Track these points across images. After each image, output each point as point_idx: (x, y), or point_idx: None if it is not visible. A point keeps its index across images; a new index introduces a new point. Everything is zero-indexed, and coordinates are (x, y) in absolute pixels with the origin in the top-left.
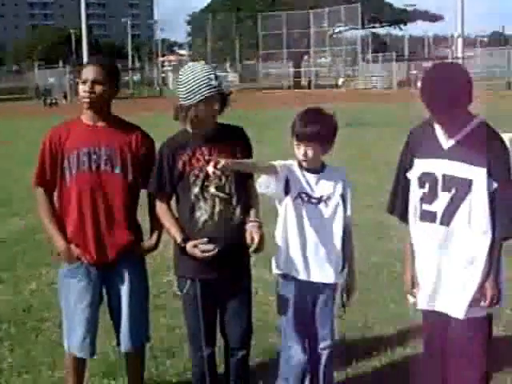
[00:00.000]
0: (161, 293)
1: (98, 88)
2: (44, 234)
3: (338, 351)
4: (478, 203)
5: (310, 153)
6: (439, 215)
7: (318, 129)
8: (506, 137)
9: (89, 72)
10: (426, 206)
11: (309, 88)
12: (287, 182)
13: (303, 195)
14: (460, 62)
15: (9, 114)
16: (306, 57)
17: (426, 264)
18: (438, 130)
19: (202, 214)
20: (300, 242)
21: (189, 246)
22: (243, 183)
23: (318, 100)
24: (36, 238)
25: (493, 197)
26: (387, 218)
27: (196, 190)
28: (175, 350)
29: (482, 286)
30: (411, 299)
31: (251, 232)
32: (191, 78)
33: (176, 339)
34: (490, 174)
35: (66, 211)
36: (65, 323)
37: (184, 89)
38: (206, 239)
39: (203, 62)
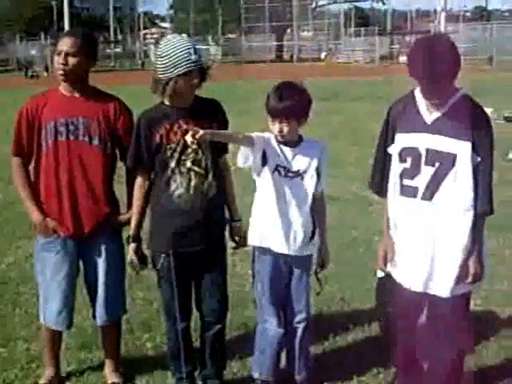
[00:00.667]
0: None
1: (72, 60)
2: (22, 207)
3: (316, 325)
4: (461, 178)
5: (285, 129)
6: (421, 190)
7: (291, 104)
8: (486, 111)
9: (63, 44)
10: (407, 181)
11: (291, 62)
12: (264, 154)
13: (281, 169)
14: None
15: None
16: (288, 30)
17: (406, 239)
18: (421, 104)
19: (177, 187)
20: (277, 214)
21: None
22: (217, 156)
23: (300, 73)
24: (15, 211)
25: (476, 171)
26: (369, 192)
27: (172, 163)
28: (152, 324)
29: (465, 263)
30: (379, 273)
31: (235, 233)
32: (171, 51)
33: (153, 313)
34: (473, 148)
35: (42, 182)
36: (41, 296)
37: (163, 62)
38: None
39: (184, 35)
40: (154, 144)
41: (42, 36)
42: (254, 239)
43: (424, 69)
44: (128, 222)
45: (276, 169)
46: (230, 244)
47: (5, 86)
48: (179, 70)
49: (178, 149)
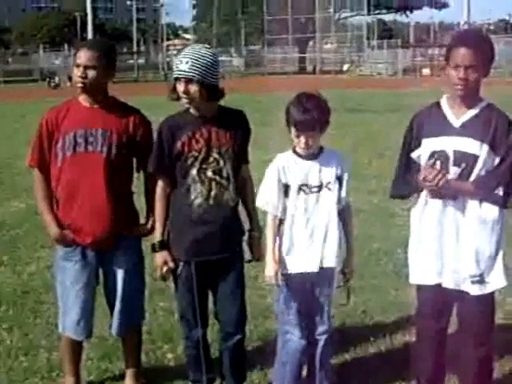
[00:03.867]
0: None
1: (91, 73)
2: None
3: (338, 337)
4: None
5: (311, 141)
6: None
7: (317, 115)
8: None
9: (81, 56)
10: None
11: (314, 73)
12: (286, 188)
13: (304, 187)
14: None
15: (14, 96)
16: (311, 42)
17: (434, 240)
18: (447, 111)
19: (197, 197)
20: (302, 233)
21: (161, 255)
22: (239, 169)
23: (322, 85)
24: (37, 221)
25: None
26: (391, 204)
27: (193, 172)
28: (173, 334)
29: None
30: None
31: (253, 246)
32: (180, 56)
33: (174, 323)
34: (493, 150)
35: (60, 192)
36: (60, 305)
37: None
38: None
39: (200, 46)
40: (176, 150)
41: (66, 47)
42: (289, 268)
43: (465, 59)
44: (148, 233)
45: (300, 189)
46: (246, 255)
47: (28, 96)
48: (173, 74)
49: (200, 157)
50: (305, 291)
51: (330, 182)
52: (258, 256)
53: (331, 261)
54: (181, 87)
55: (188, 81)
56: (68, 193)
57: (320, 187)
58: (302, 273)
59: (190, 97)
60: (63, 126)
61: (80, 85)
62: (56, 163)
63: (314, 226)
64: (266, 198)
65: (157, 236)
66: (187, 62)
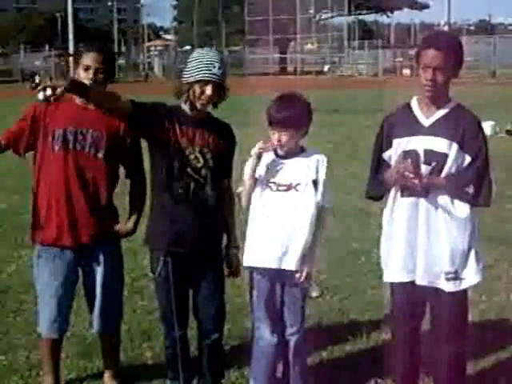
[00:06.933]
0: (140, 276)
1: (100, 76)
2: (25, 216)
3: (314, 336)
4: (452, 175)
5: (284, 138)
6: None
7: (291, 114)
8: (487, 124)
9: (91, 59)
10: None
11: (295, 74)
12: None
13: (271, 184)
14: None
15: None
16: (292, 43)
17: (406, 238)
18: (417, 111)
19: (177, 188)
20: (269, 230)
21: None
22: (219, 176)
23: (303, 86)
24: (16, 221)
25: (468, 169)
26: (368, 204)
27: (175, 165)
28: (151, 333)
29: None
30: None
31: (231, 260)
32: (199, 57)
33: (153, 322)
34: (463, 149)
35: (42, 188)
36: (38, 304)
37: (189, 66)
38: None
39: (210, 49)
40: (160, 128)
41: (47, 47)
42: (248, 260)
43: (437, 60)
44: (127, 234)
45: (267, 185)
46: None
47: (8, 97)
48: (197, 76)
49: (181, 153)
50: (273, 289)
51: (299, 184)
52: (235, 272)
53: (291, 263)
54: (208, 90)
55: (217, 84)
56: (50, 189)
57: (289, 187)
58: (263, 268)
59: (211, 99)
60: (53, 121)
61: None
62: (43, 156)
63: (275, 224)
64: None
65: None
66: (220, 68)
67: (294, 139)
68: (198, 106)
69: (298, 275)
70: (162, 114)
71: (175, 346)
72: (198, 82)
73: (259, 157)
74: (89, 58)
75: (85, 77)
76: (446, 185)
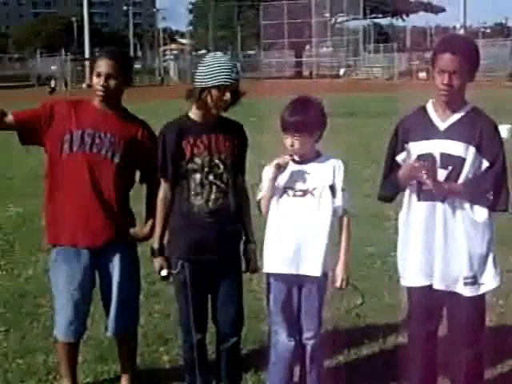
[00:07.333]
0: (156, 280)
1: (112, 82)
2: (42, 221)
3: (331, 340)
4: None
5: (296, 143)
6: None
7: (303, 118)
8: (503, 128)
9: (103, 65)
10: (425, 186)
11: (310, 78)
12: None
13: (288, 190)
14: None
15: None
16: (307, 47)
17: (423, 242)
18: (433, 115)
19: (198, 200)
20: (285, 236)
21: (158, 260)
22: (236, 178)
23: (318, 90)
24: (34, 225)
25: (486, 174)
26: (385, 208)
27: (196, 176)
28: (168, 337)
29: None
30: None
31: (248, 256)
32: (214, 62)
33: (170, 326)
34: (480, 153)
35: (57, 189)
36: (55, 307)
37: (203, 71)
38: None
39: (222, 54)
40: (179, 155)
41: (63, 52)
42: (266, 266)
43: (452, 64)
44: (144, 238)
45: (284, 191)
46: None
47: (24, 101)
48: (215, 81)
49: (202, 162)
50: (289, 293)
51: (315, 189)
52: (253, 268)
53: (308, 268)
54: (228, 95)
55: (234, 89)
56: (67, 190)
57: (305, 192)
58: (280, 273)
59: (226, 103)
60: (72, 121)
61: (100, 93)
62: (59, 156)
63: (292, 229)
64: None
65: (155, 241)
66: (237, 72)
67: (308, 144)
68: (214, 110)
69: (338, 283)
70: (174, 150)
71: (193, 350)
72: (215, 86)
73: (279, 168)
74: (100, 65)
75: (97, 83)
76: (464, 191)
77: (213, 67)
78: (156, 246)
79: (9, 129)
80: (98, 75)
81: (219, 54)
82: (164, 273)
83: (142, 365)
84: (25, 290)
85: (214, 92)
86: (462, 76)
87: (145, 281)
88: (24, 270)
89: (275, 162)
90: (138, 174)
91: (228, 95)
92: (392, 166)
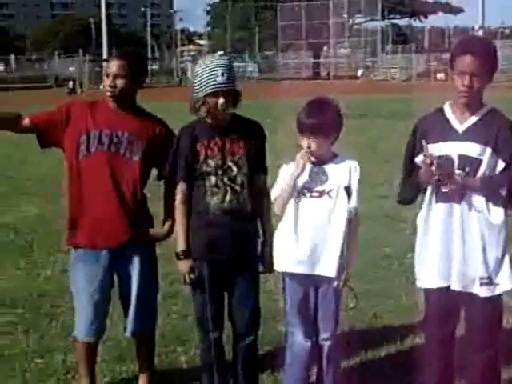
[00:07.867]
0: (174, 280)
1: (120, 82)
2: (60, 221)
3: (348, 341)
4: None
5: (313, 145)
6: (454, 194)
7: (320, 120)
8: None
9: (112, 66)
10: (443, 188)
11: (328, 79)
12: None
13: (305, 191)
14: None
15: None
16: (325, 47)
17: (441, 243)
18: (450, 116)
19: (213, 202)
20: (301, 236)
21: (186, 263)
22: (253, 177)
23: (336, 91)
24: (52, 225)
25: (503, 175)
26: (401, 209)
27: (210, 178)
28: (186, 338)
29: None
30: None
31: (265, 256)
32: (201, 71)
33: (187, 327)
34: (496, 153)
35: (76, 189)
36: (75, 307)
37: (195, 82)
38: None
39: (218, 54)
40: (194, 158)
41: (81, 53)
42: (280, 265)
43: (472, 66)
44: (163, 238)
45: (301, 191)
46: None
47: (42, 102)
48: (206, 90)
49: (215, 165)
50: (306, 294)
51: (331, 190)
52: (270, 268)
53: (325, 269)
54: (220, 100)
55: (226, 91)
56: (85, 190)
57: (321, 193)
58: (296, 273)
59: (227, 106)
60: (89, 121)
61: (109, 93)
62: (77, 157)
63: (308, 230)
64: (276, 191)
65: (180, 244)
66: (223, 74)
67: (324, 146)
68: (219, 116)
69: (335, 283)
70: (189, 153)
71: (210, 349)
72: (207, 95)
73: (303, 169)
74: (110, 65)
75: (106, 83)
76: (480, 186)
77: (201, 75)
78: (182, 247)
79: (25, 132)
80: (107, 75)
81: (209, 57)
82: (191, 277)
83: (159, 365)
84: (44, 290)
85: (209, 100)
86: (482, 78)
87: (163, 281)
88: (43, 271)
89: (300, 161)
90: (154, 172)
91: (222, 100)
92: (411, 167)
